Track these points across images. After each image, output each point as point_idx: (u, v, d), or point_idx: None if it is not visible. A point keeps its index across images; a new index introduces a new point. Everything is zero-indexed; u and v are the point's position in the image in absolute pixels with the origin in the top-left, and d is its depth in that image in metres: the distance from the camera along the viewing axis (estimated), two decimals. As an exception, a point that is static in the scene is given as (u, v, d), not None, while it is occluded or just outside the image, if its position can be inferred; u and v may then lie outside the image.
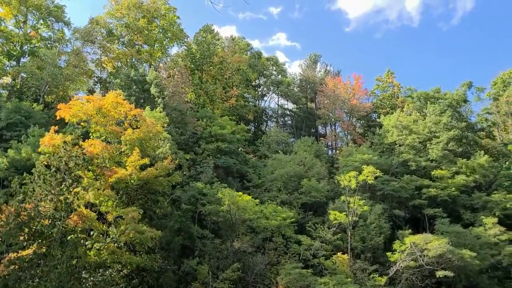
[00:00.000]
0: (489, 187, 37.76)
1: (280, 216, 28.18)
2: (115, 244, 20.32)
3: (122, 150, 23.08)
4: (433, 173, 36.96)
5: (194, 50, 47.35)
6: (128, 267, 20.27)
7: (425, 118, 43.33)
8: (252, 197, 29.24)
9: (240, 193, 28.73)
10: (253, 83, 54.05)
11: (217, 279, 24.02)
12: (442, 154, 38.56)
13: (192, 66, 46.66)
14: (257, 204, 28.76)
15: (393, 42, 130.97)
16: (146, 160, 22.10)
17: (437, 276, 26.37)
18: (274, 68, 56.26)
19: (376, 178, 31.78)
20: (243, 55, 51.39)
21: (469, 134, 42.12)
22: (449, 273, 26.11)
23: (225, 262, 25.48)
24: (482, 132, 46.81)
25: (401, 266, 27.04)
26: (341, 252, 28.28)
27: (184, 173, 28.15)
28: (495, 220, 32.07)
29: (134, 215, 19.97)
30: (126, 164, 21.94)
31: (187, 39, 47.24)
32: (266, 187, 35.00)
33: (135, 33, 44.99)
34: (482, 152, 39.88)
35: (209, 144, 34.65)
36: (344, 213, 29.74)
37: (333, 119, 53.77)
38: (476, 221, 33.42)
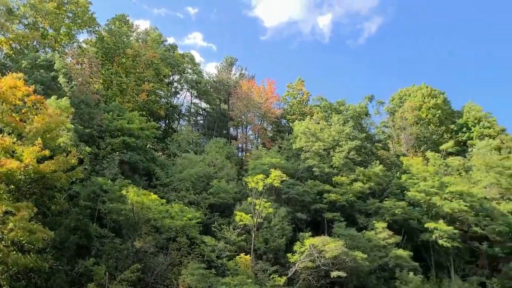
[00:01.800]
0: (381, 194, 41.03)
1: (186, 216, 27.80)
2: (2, 243, 18.49)
3: (16, 140, 21.02)
4: (334, 179, 39.18)
5: (107, 39, 44.95)
6: (14, 268, 18.53)
7: (330, 127, 45.76)
8: (159, 196, 28.44)
9: (146, 191, 27.82)
10: (167, 80, 52.79)
11: (115, 280, 23.01)
12: (343, 162, 41.06)
13: (103, 56, 44.26)
14: (163, 204, 28.04)
15: (306, 54, 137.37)
16: (47, 152, 20.43)
17: (332, 276, 27.91)
18: (189, 66, 55.44)
19: (282, 181, 32.84)
20: (156, 47, 49.60)
21: (368, 144, 45.40)
22: (343, 274, 27.77)
23: (124, 263, 24.48)
24: (379, 144, 50.63)
25: (299, 267, 28.17)
26: (244, 253, 28.71)
27: (85, 167, 26.35)
28: (385, 224, 34.92)
29: (25, 213, 18.29)
30: (22, 155, 20.08)
31: (97, 27, 44.64)
32: (174, 186, 34.32)
33: (41, 15, 41.49)
34: (378, 161, 43.23)
35: (115, 138, 32.91)
36: (250, 214, 30.26)
37: (245, 122, 54.59)
38: (369, 225, 36.06)
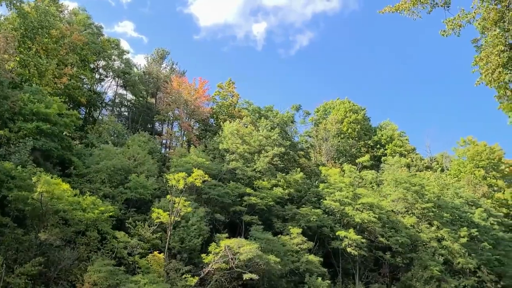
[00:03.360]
0: (299, 201, 42.39)
1: (98, 210, 26.55)
2: None
3: None
4: (255, 183, 39.73)
5: (31, 16, 41.63)
6: None
7: (258, 131, 46.42)
8: (72, 187, 26.89)
9: (59, 180, 26.16)
10: (92, 65, 50.10)
11: (12, 273, 21.33)
12: (266, 167, 41.84)
13: (23, 33, 40.89)
14: (76, 195, 26.54)
15: (238, 59, 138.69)
16: None
17: (244, 278, 28.18)
18: (116, 52, 52.95)
19: (204, 182, 32.67)
20: (82, 30, 46.79)
21: (291, 152, 46.69)
22: (255, 276, 28.15)
23: (25, 255, 22.76)
24: (301, 152, 52.25)
25: (213, 268, 28.11)
26: (158, 251, 28.04)
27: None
28: (300, 230, 36.06)
29: None
30: None
31: (19, 3, 41.15)
32: (90, 178, 32.63)
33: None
34: (299, 169, 44.67)
35: (28, 123, 30.50)
36: (167, 212, 29.66)
37: (172, 118, 53.56)
38: (284, 230, 37.00)
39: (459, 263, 42.46)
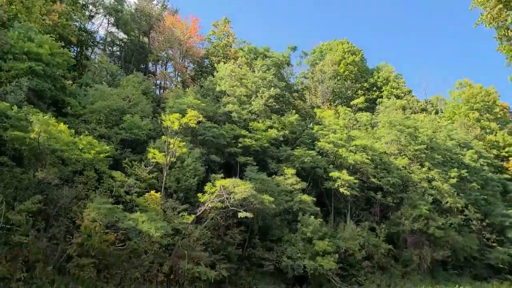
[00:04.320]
0: (294, 142, 42.84)
1: (94, 150, 26.75)
2: None
3: None
4: (251, 124, 39.88)
5: None
6: None
7: (254, 72, 45.83)
8: (68, 127, 26.91)
9: (54, 121, 26.09)
10: (81, 1, 48.17)
11: (13, 210, 21.89)
12: (262, 109, 41.79)
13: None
14: (72, 135, 26.60)
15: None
16: None
17: (239, 217, 29.06)
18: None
19: (199, 123, 32.75)
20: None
21: (286, 93, 46.42)
22: (249, 215, 29.00)
23: (24, 193, 23.20)
24: (296, 94, 51.98)
25: (209, 207, 28.87)
26: (154, 191, 28.64)
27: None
28: (294, 171, 36.75)
29: None
30: None
31: None
32: (85, 118, 32.55)
33: None
34: (294, 111, 44.71)
35: (19, 62, 29.82)
36: (163, 153, 29.94)
37: (165, 58, 52.53)
38: (279, 171, 37.70)
39: (447, 202, 43.86)
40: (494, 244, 45.13)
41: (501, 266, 44.07)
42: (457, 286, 37.51)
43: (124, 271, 25.20)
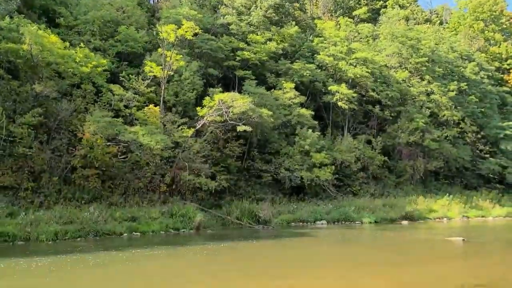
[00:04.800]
0: (293, 55, 41.99)
1: (91, 63, 26.35)
2: None
3: None
4: (249, 37, 38.79)
5: None
6: None
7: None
8: (61, 39, 26.22)
9: (48, 31, 25.35)
10: None
11: (14, 123, 22.18)
12: (261, 20, 40.39)
13: None
14: (66, 47, 26.03)
15: None
16: None
17: (238, 130, 29.51)
18: None
19: (196, 35, 31.86)
20: None
21: (286, 4, 44.49)
22: (248, 128, 29.42)
23: (23, 106, 23.30)
24: (296, 4, 49.72)
25: (208, 121, 29.17)
26: (153, 105, 28.74)
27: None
28: (293, 85, 36.52)
29: None
30: None
31: None
32: (79, 30, 31.57)
33: None
34: (294, 23, 43.19)
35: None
36: (160, 66, 29.56)
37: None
38: (277, 84, 37.46)
39: (444, 115, 44.26)
40: (487, 156, 46.35)
41: (491, 176, 45.70)
42: (447, 194, 39.20)
43: (127, 181, 26.19)
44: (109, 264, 14.04)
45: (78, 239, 19.97)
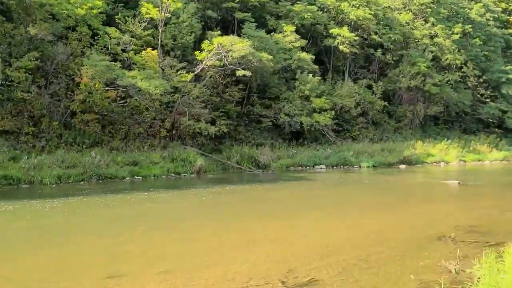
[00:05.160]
0: (294, -4, 40.57)
1: (86, 5, 25.51)
2: None
3: None
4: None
5: None
6: None
7: None
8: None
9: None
10: None
11: (10, 67, 21.87)
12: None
13: None
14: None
15: None
16: None
17: (237, 75, 29.15)
18: None
19: (192, -26, 30.65)
20: None
21: None
22: (248, 73, 29.05)
23: (19, 49, 22.85)
24: None
25: (206, 65, 28.74)
26: (151, 48, 28.17)
27: None
28: (293, 28, 35.62)
29: None
30: None
31: None
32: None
33: None
34: (295, -39, 41.29)
35: None
36: (157, 8, 28.65)
37: None
38: (277, 28, 36.53)
39: (447, 59, 43.57)
40: (487, 100, 46.18)
41: (490, 120, 45.79)
42: (445, 139, 39.47)
43: (127, 126, 26.26)
44: (118, 206, 14.43)
45: (81, 182, 20.34)
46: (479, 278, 6.16)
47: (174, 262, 7.78)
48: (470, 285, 5.62)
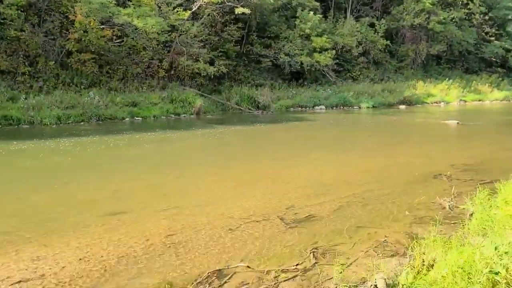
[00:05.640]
0: None
1: None
2: None
3: None
4: None
5: None
6: None
7: None
8: None
9: None
10: None
11: (2, 3, 21.12)
12: None
13: None
14: None
15: None
16: None
17: (236, 12, 28.30)
18: None
19: None
20: None
21: None
22: (247, 10, 28.20)
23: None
24: None
25: (204, 2, 27.78)
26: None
27: None
28: (294, -38, 34.05)
29: None
30: None
31: None
32: None
33: None
34: None
35: None
36: None
37: None
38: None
39: (453, -4, 42.12)
40: (492, 38, 45.19)
41: (493, 59, 45.14)
42: (447, 79, 39.11)
43: (125, 67, 25.91)
44: (127, 146, 14.62)
45: (81, 123, 20.39)
46: (472, 214, 6.37)
47: (175, 200, 8.00)
48: (463, 220, 5.82)
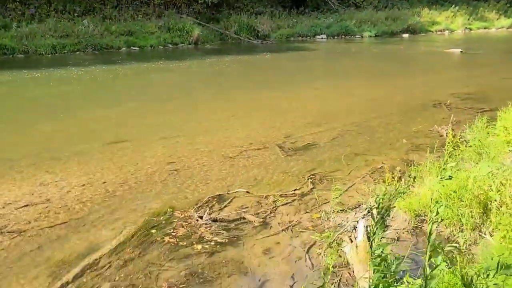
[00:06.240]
0: None
1: None
2: None
3: None
4: None
5: None
6: None
7: None
8: None
9: None
10: None
11: None
12: None
13: None
14: None
15: None
16: None
17: None
18: None
19: None
20: None
21: None
22: None
23: None
24: None
25: None
26: None
27: None
28: None
29: None
30: None
31: None
32: None
33: None
34: None
35: None
36: None
37: None
38: None
39: None
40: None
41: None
42: (453, 6, 37.74)
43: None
44: (135, 75, 14.63)
45: (77, 52, 19.97)
46: (469, 140, 6.45)
47: (175, 129, 8.06)
48: (459, 147, 5.90)
